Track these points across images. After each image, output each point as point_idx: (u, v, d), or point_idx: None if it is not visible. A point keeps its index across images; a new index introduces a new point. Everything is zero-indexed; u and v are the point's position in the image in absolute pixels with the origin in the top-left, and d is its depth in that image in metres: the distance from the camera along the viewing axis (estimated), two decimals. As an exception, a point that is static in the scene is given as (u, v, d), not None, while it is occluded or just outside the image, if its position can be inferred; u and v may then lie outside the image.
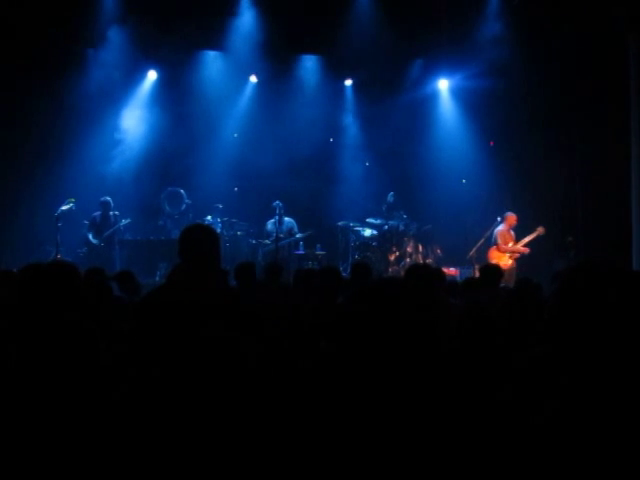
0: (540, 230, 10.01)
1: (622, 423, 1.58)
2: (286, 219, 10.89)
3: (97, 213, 10.44)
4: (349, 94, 12.39)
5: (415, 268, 4.37)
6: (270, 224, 10.78)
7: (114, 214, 10.43)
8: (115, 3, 10.71)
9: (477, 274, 9.62)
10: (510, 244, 10.05)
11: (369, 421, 1.67)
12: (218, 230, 10.07)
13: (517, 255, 9.99)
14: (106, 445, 2.40)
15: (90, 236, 10.34)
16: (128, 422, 2.52)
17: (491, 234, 10.15)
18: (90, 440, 2.38)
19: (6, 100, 10.39)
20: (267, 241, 10.69)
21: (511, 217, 10.13)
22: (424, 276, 3.94)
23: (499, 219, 10.23)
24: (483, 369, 2.44)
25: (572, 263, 9.59)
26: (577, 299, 1.70)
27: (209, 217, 10.95)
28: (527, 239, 10.04)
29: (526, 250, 9.99)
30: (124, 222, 10.42)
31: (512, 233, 10.14)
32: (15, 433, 2.35)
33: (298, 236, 10.84)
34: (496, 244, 10.06)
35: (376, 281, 1.78)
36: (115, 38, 10.68)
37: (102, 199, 10.40)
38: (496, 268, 5.99)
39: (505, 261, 9.89)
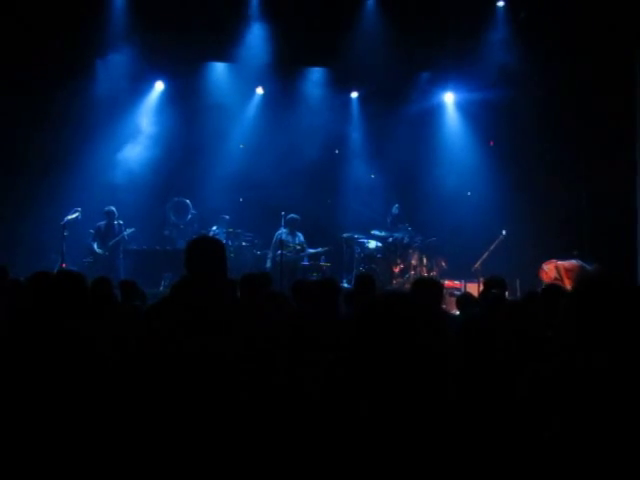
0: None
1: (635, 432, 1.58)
2: (297, 232, 10.90)
3: (102, 222, 10.48)
4: (355, 106, 12.43)
5: (422, 281, 4.36)
6: (284, 235, 10.71)
7: (118, 223, 10.47)
8: (124, 14, 10.80)
9: (482, 287, 9.63)
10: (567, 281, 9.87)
11: (373, 433, 1.67)
12: (223, 240, 10.08)
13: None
14: (108, 450, 2.40)
15: (95, 245, 10.37)
16: (130, 428, 2.52)
17: (497, 247, 10.13)
18: (91, 443, 2.39)
19: (13, 109, 10.45)
20: (285, 252, 10.59)
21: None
22: (432, 290, 3.95)
23: (504, 232, 10.21)
24: (484, 382, 2.44)
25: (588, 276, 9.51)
26: (593, 312, 1.71)
27: (215, 227, 10.98)
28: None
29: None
30: (128, 231, 10.46)
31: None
32: (17, 435, 2.36)
33: (318, 250, 10.81)
34: (557, 260, 9.93)
35: (385, 295, 1.78)
36: (123, 48, 10.74)
37: (106, 208, 10.44)
38: (500, 280, 5.96)
39: (550, 278, 9.79)
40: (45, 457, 2.34)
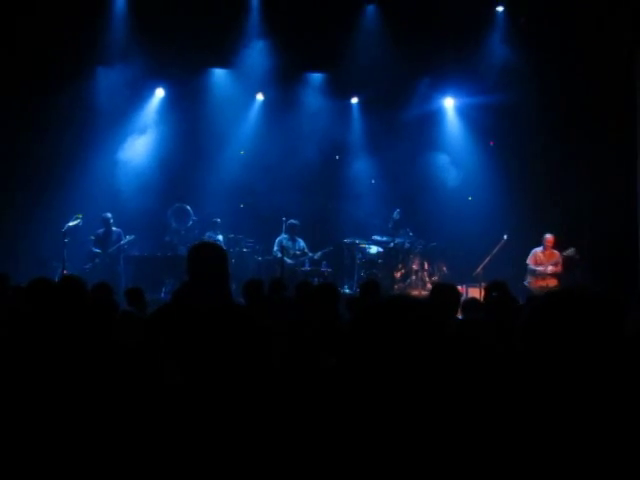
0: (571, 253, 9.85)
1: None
2: (297, 237, 10.89)
3: (100, 230, 10.45)
4: (355, 112, 12.44)
5: (441, 288, 4.31)
6: (285, 241, 10.70)
7: (117, 230, 10.41)
8: (124, 21, 10.84)
9: (484, 292, 9.63)
10: (540, 267, 9.94)
11: (372, 437, 1.66)
12: (223, 247, 10.06)
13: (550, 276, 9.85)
14: (110, 454, 2.40)
15: (95, 252, 10.34)
16: (130, 437, 2.52)
17: (498, 251, 10.13)
18: (92, 447, 2.38)
19: (14, 115, 10.48)
20: (287, 259, 10.57)
21: (547, 239, 10.03)
22: (450, 296, 3.93)
23: (505, 237, 10.20)
24: (482, 384, 2.42)
25: (578, 281, 9.56)
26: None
27: (208, 233, 10.94)
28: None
29: (554, 270, 9.87)
30: (128, 239, 10.38)
31: (544, 253, 10.01)
32: (19, 439, 2.35)
33: (318, 253, 10.81)
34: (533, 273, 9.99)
35: (390, 299, 1.78)
36: (124, 55, 10.77)
37: (102, 215, 10.39)
38: (501, 284, 5.93)
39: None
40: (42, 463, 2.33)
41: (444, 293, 4.01)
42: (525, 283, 9.98)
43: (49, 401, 2.30)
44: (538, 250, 10.03)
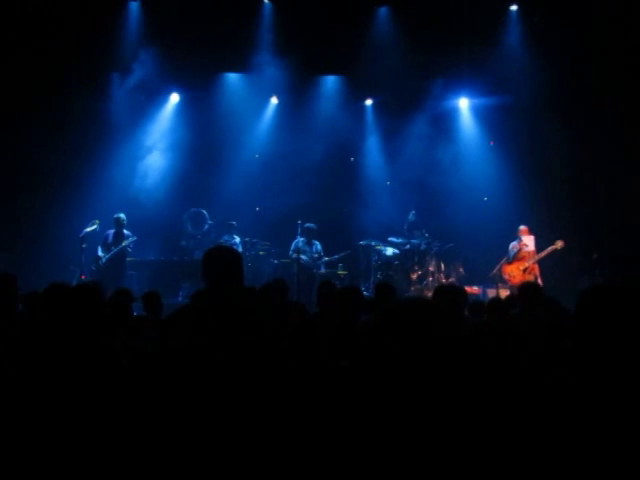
0: (559, 244, 9.84)
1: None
2: (314, 240, 10.87)
3: (112, 230, 10.25)
4: (370, 114, 12.43)
5: (443, 288, 4.30)
6: (302, 244, 10.65)
7: (127, 233, 10.24)
8: (139, 28, 10.92)
9: (502, 293, 9.57)
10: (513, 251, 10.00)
11: (387, 437, 1.65)
12: (239, 250, 10.07)
13: (534, 270, 9.85)
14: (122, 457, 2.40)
15: (98, 252, 10.10)
16: (146, 437, 2.52)
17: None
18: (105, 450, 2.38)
19: (31, 123, 10.59)
20: (303, 259, 10.51)
21: (521, 229, 10.05)
22: (452, 296, 3.90)
23: (522, 237, 10.12)
24: (500, 387, 2.41)
25: (597, 281, 9.46)
26: (594, 323, 1.70)
27: (225, 236, 10.96)
28: (544, 253, 9.91)
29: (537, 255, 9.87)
30: (130, 240, 10.10)
31: (526, 244, 10.03)
32: (32, 443, 2.36)
33: (335, 257, 10.79)
34: (508, 258, 10.03)
35: (402, 301, 1.77)
36: (139, 62, 10.85)
37: (115, 216, 10.21)
38: (534, 285, 5.84)
39: (518, 276, 9.80)
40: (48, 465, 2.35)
41: (446, 294, 3.97)
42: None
43: (49, 404, 2.31)
44: (514, 243, 10.08)
